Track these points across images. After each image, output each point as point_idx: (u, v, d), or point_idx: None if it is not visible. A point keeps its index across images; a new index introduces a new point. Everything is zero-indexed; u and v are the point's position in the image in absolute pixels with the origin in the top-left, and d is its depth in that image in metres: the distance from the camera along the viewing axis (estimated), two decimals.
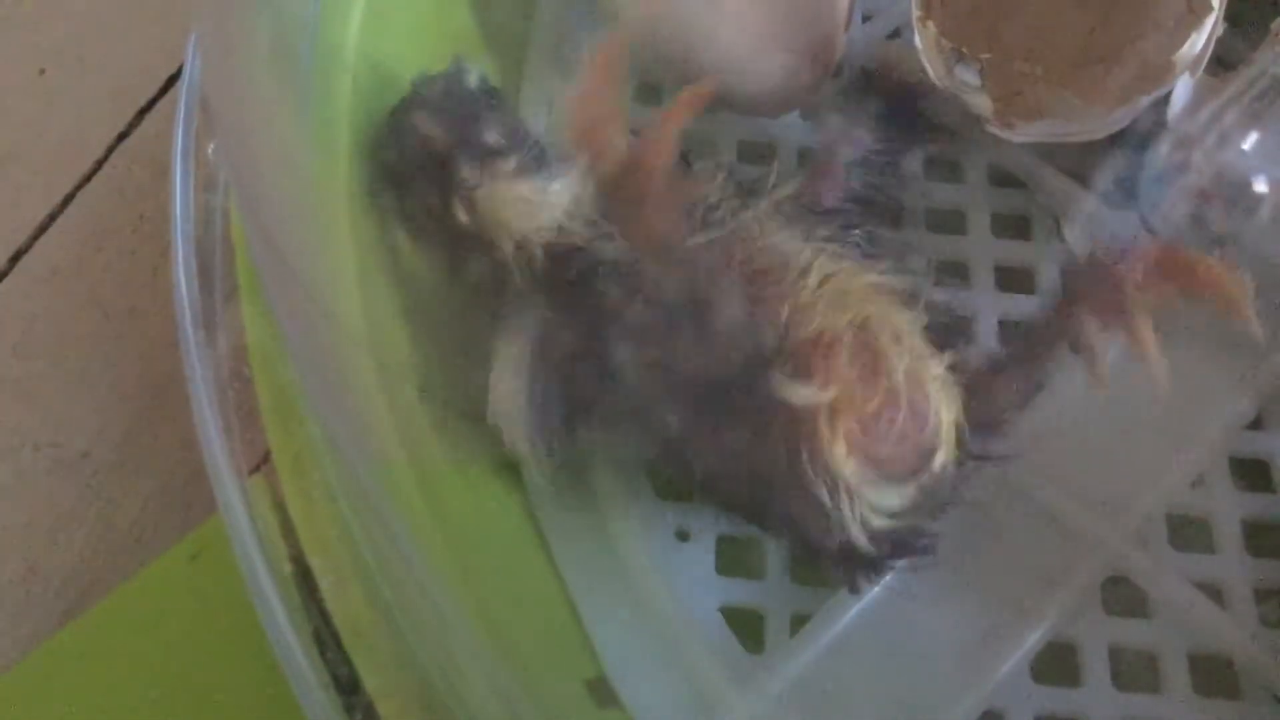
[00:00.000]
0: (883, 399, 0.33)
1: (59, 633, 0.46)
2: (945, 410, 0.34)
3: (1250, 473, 0.41)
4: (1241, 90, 0.38)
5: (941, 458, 0.34)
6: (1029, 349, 0.36)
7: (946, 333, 0.36)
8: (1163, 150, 0.38)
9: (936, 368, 0.34)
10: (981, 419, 0.35)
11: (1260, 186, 0.37)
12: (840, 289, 0.35)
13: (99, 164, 0.62)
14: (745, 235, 0.36)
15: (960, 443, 0.34)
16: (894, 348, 0.34)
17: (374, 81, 0.38)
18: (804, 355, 0.33)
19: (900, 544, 0.35)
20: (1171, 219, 0.38)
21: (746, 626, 0.38)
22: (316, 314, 0.31)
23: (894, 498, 0.33)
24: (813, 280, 0.35)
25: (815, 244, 0.36)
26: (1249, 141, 0.37)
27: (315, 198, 0.34)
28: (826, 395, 0.32)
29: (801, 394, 0.32)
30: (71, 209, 0.61)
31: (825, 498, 0.32)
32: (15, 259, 0.59)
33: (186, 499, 0.52)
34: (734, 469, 0.35)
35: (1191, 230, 0.38)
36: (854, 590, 0.37)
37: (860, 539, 0.33)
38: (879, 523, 0.33)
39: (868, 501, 0.33)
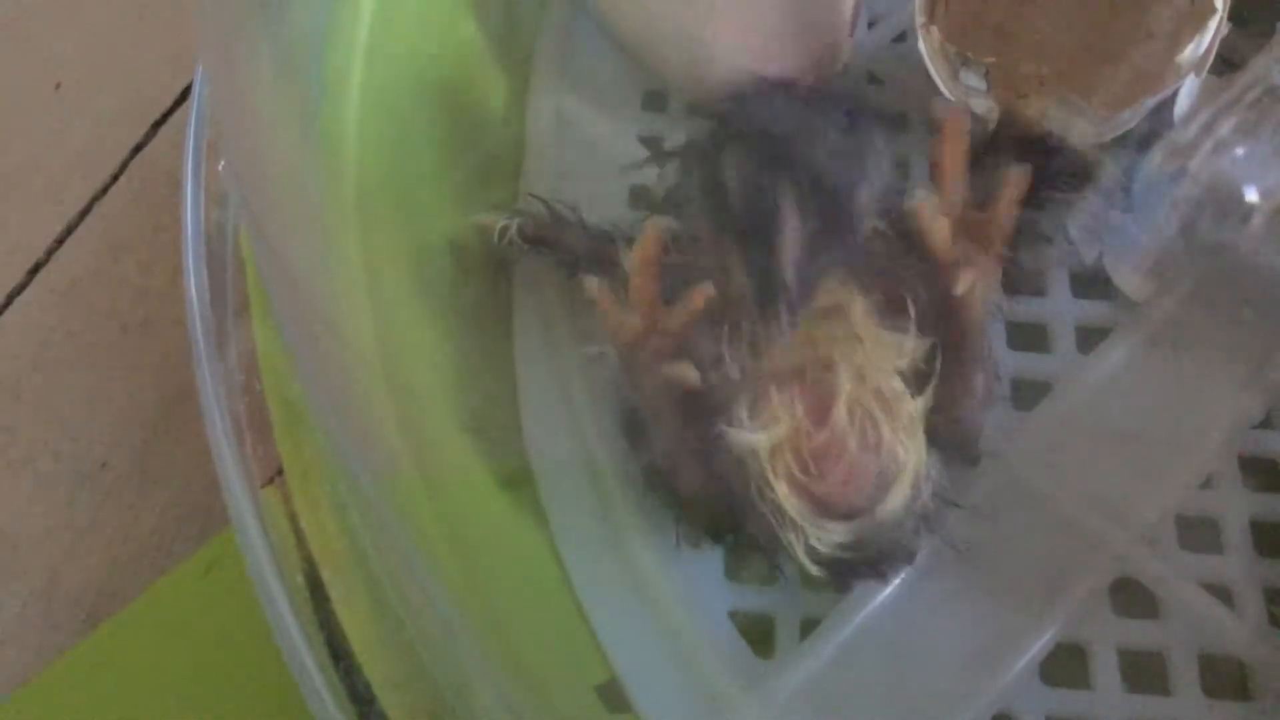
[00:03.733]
0: (828, 440, 0.32)
1: (77, 645, 0.47)
2: (906, 455, 0.33)
3: (1260, 472, 0.41)
4: (1235, 99, 0.38)
5: (892, 505, 0.33)
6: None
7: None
8: (1156, 159, 0.38)
9: (906, 410, 0.33)
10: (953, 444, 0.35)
11: (1252, 196, 0.37)
12: (819, 326, 0.34)
13: (115, 177, 0.63)
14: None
15: (922, 488, 0.34)
16: (850, 387, 0.33)
17: (381, 99, 0.39)
18: (764, 387, 0.33)
19: (850, 571, 0.35)
20: (1165, 228, 0.38)
21: (756, 631, 0.38)
22: (323, 329, 0.31)
23: (836, 534, 0.33)
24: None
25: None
26: (1242, 150, 0.37)
27: (323, 215, 0.35)
28: (765, 439, 0.32)
29: (744, 436, 0.32)
30: (89, 222, 0.61)
31: (775, 527, 0.33)
32: (34, 272, 0.60)
33: (206, 506, 0.53)
34: (708, 489, 0.35)
35: (1183, 238, 0.38)
36: (842, 589, 0.38)
37: (808, 565, 0.33)
38: (827, 552, 0.33)
39: (811, 535, 0.33)
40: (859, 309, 0.34)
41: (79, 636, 0.48)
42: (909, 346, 0.34)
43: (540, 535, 0.39)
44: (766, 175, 0.32)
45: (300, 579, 0.30)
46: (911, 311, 0.34)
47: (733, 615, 0.39)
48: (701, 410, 0.33)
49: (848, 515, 0.33)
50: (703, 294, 0.32)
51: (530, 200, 0.43)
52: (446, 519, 0.34)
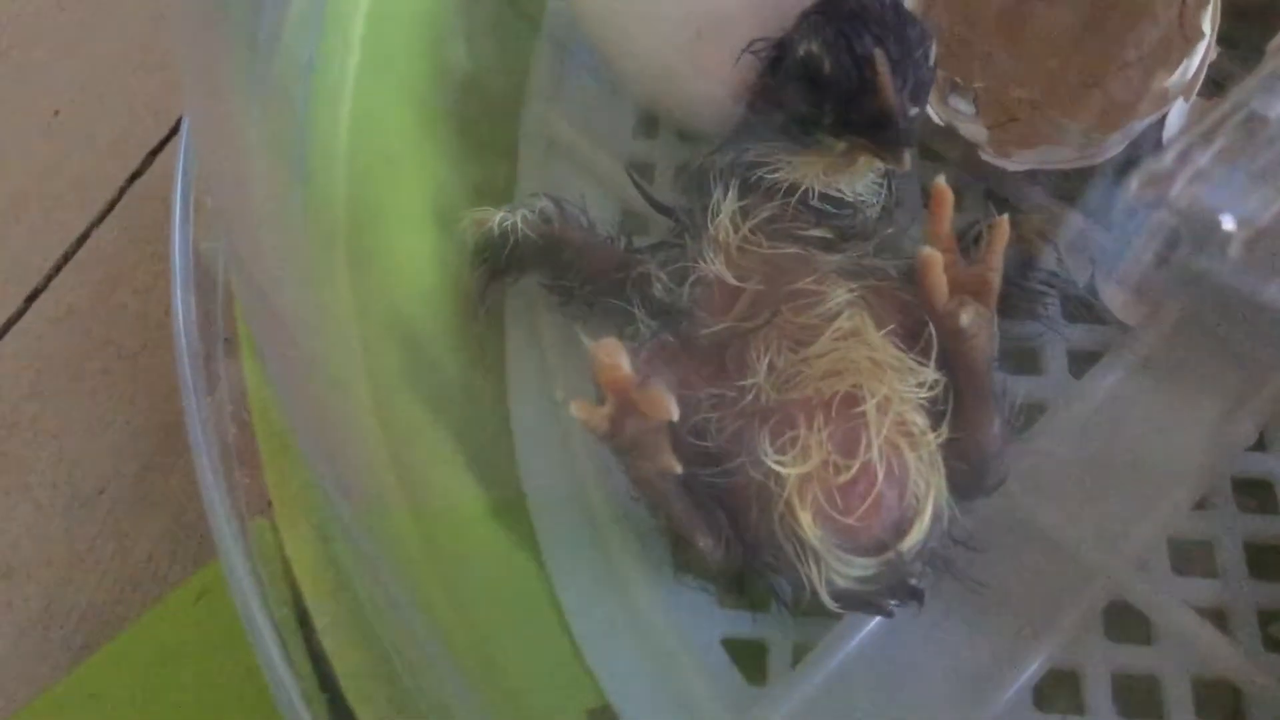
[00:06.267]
0: (857, 472, 0.33)
1: (71, 672, 0.47)
2: (926, 489, 0.34)
3: (1253, 494, 0.41)
4: (1215, 125, 0.38)
5: (914, 537, 0.33)
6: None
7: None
8: (1132, 186, 0.38)
9: (925, 445, 0.34)
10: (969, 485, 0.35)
11: (1229, 224, 0.37)
12: (841, 353, 0.34)
13: (112, 204, 0.63)
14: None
15: (938, 523, 0.34)
16: (877, 420, 0.33)
17: (370, 131, 0.39)
18: (790, 416, 0.33)
19: (864, 603, 0.35)
20: (1142, 255, 0.38)
21: (748, 658, 0.38)
22: (310, 367, 0.31)
23: (858, 568, 0.33)
24: (822, 340, 0.34)
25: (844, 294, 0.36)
26: (1220, 177, 0.37)
27: (310, 249, 0.35)
28: (796, 468, 0.32)
29: (773, 460, 0.33)
30: (85, 249, 0.62)
31: (793, 557, 0.33)
32: (31, 299, 0.60)
33: (201, 533, 0.53)
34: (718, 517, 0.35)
35: (1160, 266, 0.38)
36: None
37: (824, 598, 0.34)
38: (844, 584, 0.33)
39: (831, 567, 0.33)
40: (876, 336, 0.34)
41: (74, 664, 0.49)
42: (928, 378, 0.34)
43: (530, 562, 0.39)
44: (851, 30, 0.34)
45: (287, 610, 0.30)
46: (932, 340, 0.34)
47: (725, 642, 0.39)
48: (703, 461, 0.34)
49: (871, 549, 0.33)
50: (671, 410, 0.31)
51: (538, 195, 0.42)
52: (434, 547, 0.34)
